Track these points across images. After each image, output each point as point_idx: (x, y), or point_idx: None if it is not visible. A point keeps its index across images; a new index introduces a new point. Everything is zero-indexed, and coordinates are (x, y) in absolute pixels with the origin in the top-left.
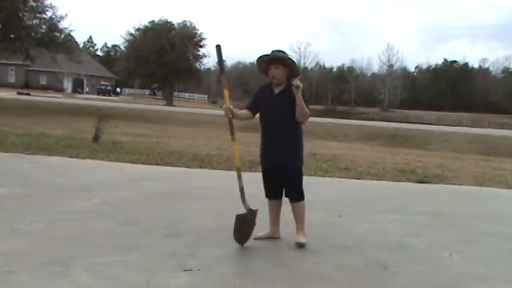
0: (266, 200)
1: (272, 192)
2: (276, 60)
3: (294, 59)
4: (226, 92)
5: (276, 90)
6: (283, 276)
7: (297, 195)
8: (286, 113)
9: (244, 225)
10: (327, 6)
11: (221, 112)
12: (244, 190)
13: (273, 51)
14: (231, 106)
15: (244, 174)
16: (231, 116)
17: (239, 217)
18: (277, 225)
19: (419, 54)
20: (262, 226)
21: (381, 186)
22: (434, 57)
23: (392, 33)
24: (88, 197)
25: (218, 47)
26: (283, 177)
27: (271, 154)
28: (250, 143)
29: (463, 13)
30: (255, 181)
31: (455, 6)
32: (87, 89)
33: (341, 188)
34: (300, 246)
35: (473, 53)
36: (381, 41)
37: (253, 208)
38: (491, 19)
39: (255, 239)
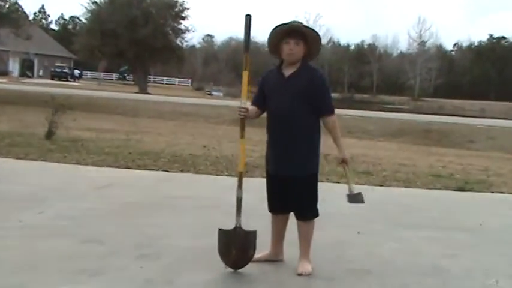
0: (265, 212)
1: (277, 205)
2: (299, 33)
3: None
4: (245, 77)
5: (287, 73)
6: None
7: (306, 212)
8: (297, 101)
9: (230, 246)
10: None
11: (209, 101)
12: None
13: (292, 22)
14: (248, 105)
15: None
16: (244, 115)
17: (222, 233)
18: (280, 245)
19: (458, 29)
20: (261, 245)
21: (410, 195)
22: (478, 34)
23: (424, 2)
24: (40, 208)
25: (248, 18)
26: (289, 186)
27: (278, 154)
28: (246, 140)
29: None
30: (252, 188)
31: None
32: (41, 73)
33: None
34: (303, 274)
35: None
36: (411, 13)
37: (250, 229)
38: None
39: (252, 261)
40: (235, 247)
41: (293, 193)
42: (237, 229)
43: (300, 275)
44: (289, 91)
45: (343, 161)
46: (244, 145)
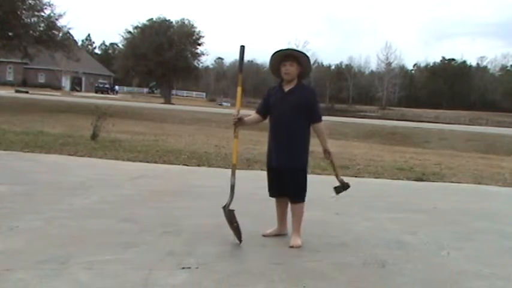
0: (263, 198)
1: (275, 191)
2: (292, 56)
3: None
4: (239, 92)
5: (286, 89)
6: (281, 274)
7: (296, 196)
8: (294, 111)
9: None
10: (326, 4)
11: (219, 110)
12: (243, 188)
13: (287, 49)
14: (241, 115)
15: (241, 172)
16: (237, 122)
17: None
18: (284, 222)
19: (417, 52)
20: (269, 223)
21: (379, 184)
22: (433, 56)
23: (390, 31)
24: (86, 195)
25: (242, 48)
26: (286, 176)
27: (276, 151)
28: (248, 141)
29: (463, 11)
30: (251, 179)
31: (455, 4)
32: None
33: None
34: (294, 247)
35: (473, 51)
36: (379, 39)
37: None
38: (492, 17)
39: (264, 235)
40: (226, 220)
41: (286, 181)
42: (225, 207)
43: (291, 247)
44: (288, 103)
45: (328, 153)
46: (237, 143)
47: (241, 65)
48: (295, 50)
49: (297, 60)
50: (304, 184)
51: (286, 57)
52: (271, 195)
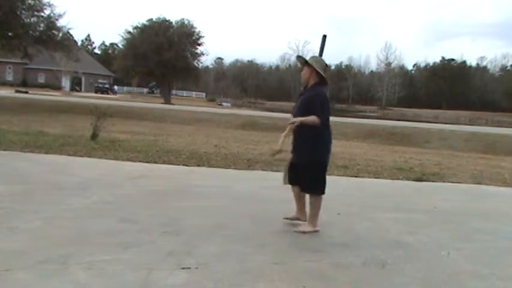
0: (264, 198)
1: (290, 180)
2: (302, 63)
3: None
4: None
5: (304, 90)
6: (281, 274)
7: (308, 189)
8: (303, 109)
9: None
10: (326, 4)
11: (219, 110)
12: (244, 188)
13: (298, 57)
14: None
15: (242, 172)
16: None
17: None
18: (303, 210)
19: (417, 52)
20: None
21: (378, 184)
22: (432, 56)
23: (390, 31)
24: (86, 195)
25: (324, 36)
26: (299, 169)
27: (293, 147)
28: (249, 141)
29: (463, 11)
30: (252, 179)
31: (455, 4)
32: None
33: (339, 186)
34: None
35: (473, 51)
36: (379, 39)
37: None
38: (492, 17)
39: (285, 218)
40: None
41: (300, 174)
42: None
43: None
44: (301, 102)
45: (292, 122)
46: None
47: (321, 53)
48: (302, 58)
49: (307, 64)
50: (311, 177)
51: (301, 64)
52: (288, 182)
